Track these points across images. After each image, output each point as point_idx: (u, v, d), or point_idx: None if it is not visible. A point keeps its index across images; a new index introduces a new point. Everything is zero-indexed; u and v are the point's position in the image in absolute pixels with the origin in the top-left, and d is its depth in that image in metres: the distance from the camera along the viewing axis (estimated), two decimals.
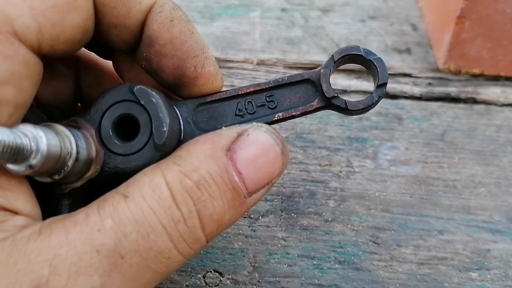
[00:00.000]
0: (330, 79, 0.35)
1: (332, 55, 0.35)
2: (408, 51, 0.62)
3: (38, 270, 0.26)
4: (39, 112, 0.34)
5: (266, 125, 0.33)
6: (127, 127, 0.33)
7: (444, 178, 0.49)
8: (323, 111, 0.36)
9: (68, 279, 0.26)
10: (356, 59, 0.35)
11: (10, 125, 0.28)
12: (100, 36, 0.34)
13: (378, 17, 0.66)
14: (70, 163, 0.30)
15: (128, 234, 0.27)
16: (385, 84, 0.35)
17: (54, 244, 0.26)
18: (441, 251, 0.43)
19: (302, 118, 0.54)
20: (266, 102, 0.36)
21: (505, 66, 0.58)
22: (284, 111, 0.35)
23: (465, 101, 0.56)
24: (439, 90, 0.57)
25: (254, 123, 0.33)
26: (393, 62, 0.60)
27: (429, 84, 0.58)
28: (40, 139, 0.27)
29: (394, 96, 0.56)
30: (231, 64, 0.59)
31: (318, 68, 0.35)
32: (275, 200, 0.46)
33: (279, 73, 0.58)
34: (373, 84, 0.57)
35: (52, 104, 0.36)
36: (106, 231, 0.27)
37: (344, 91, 0.56)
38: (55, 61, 0.37)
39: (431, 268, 0.42)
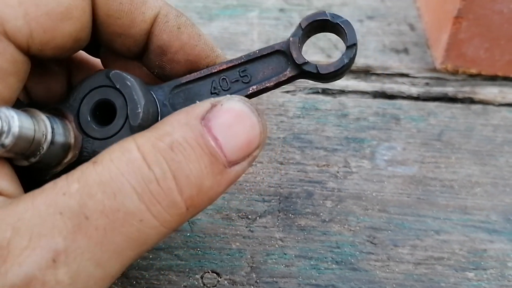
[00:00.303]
0: (300, 47, 0.35)
1: (300, 23, 0.35)
2: (405, 51, 0.62)
3: (0, 233, 0.26)
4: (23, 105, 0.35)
5: (240, 96, 0.33)
6: (105, 112, 0.34)
7: (441, 178, 0.49)
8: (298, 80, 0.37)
9: (30, 241, 0.26)
10: (325, 26, 0.36)
11: None
12: (105, 43, 0.36)
13: (376, 17, 0.66)
14: (45, 145, 0.30)
15: (93, 194, 0.27)
16: (355, 44, 0.35)
17: (20, 209, 0.26)
18: (438, 251, 0.44)
19: (300, 119, 0.54)
20: (239, 77, 0.36)
21: (502, 66, 0.58)
22: (257, 83, 0.36)
23: (463, 101, 0.56)
24: (437, 90, 0.57)
25: (227, 95, 0.33)
26: (390, 62, 0.60)
27: (427, 84, 0.58)
28: (12, 119, 0.27)
29: (391, 96, 0.57)
30: None
31: (287, 38, 0.36)
32: (273, 200, 0.47)
33: None
34: (370, 83, 0.57)
35: (43, 101, 0.36)
36: (71, 194, 0.27)
37: (342, 91, 0.57)
38: (46, 61, 0.37)
39: (428, 268, 0.43)
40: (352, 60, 0.35)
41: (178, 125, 0.30)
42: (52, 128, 0.31)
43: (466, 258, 0.43)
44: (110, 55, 0.39)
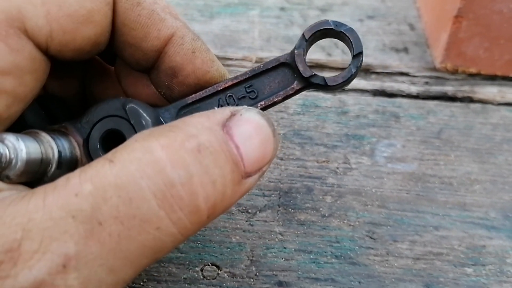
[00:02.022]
0: (305, 59, 0.35)
1: (303, 33, 0.35)
2: (405, 50, 0.62)
3: (10, 234, 0.25)
4: (39, 109, 0.34)
5: (256, 108, 0.33)
6: (113, 140, 0.33)
7: (440, 175, 0.49)
8: (304, 91, 0.37)
9: (40, 244, 0.25)
10: (328, 33, 0.35)
11: (8, 116, 0.29)
12: (115, 49, 0.35)
13: (376, 16, 0.66)
14: (50, 173, 0.30)
15: (107, 199, 0.25)
16: (361, 53, 0.34)
17: (31, 208, 0.25)
18: (437, 247, 0.44)
19: (300, 116, 0.54)
20: (246, 93, 0.36)
21: (501, 65, 0.58)
22: (265, 99, 0.35)
23: (462, 100, 0.57)
24: (436, 89, 0.58)
25: (244, 106, 0.33)
26: (390, 61, 0.60)
27: (426, 83, 0.58)
28: (21, 152, 0.27)
29: (391, 95, 0.57)
30: (230, 62, 0.59)
31: (292, 50, 0.35)
32: (273, 195, 0.47)
33: None
34: (370, 82, 0.58)
35: (57, 95, 0.36)
36: (84, 195, 0.25)
37: (342, 89, 0.57)
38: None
39: (427, 263, 0.43)
40: (359, 68, 0.35)
41: (202, 128, 0.29)
42: (59, 156, 0.30)
43: (465, 254, 0.44)
44: (124, 67, 0.38)
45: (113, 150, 0.28)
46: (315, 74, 0.35)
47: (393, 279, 0.42)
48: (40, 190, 0.26)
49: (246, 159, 0.29)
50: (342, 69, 0.58)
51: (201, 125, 0.29)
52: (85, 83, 0.40)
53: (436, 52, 0.60)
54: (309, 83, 0.35)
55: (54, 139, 0.31)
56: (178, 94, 0.36)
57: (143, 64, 0.36)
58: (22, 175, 0.28)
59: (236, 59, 0.59)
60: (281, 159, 0.50)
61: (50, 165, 0.30)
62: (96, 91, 0.40)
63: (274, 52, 0.60)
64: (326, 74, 0.57)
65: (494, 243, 0.44)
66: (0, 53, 0.28)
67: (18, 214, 0.25)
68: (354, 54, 0.35)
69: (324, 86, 0.35)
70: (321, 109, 0.55)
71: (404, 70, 0.60)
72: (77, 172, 0.27)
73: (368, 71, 0.59)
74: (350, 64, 0.35)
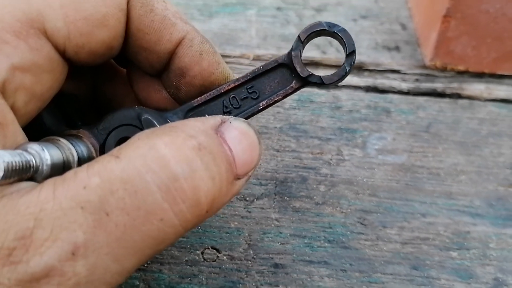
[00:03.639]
0: (302, 59, 0.37)
1: (299, 36, 0.37)
2: (397, 48, 0.65)
3: (24, 222, 0.26)
4: (56, 111, 0.37)
5: (243, 119, 0.35)
6: None
7: (428, 166, 0.52)
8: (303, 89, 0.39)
9: (51, 233, 0.26)
10: (322, 34, 0.38)
11: (25, 113, 0.31)
12: (130, 55, 0.38)
13: (370, 16, 0.69)
14: (74, 167, 0.32)
15: (114, 191, 0.27)
16: (353, 52, 0.37)
17: (42, 198, 0.27)
18: (424, 232, 0.47)
19: (296, 111, 0.57)
20: (248, 94, 0.38)
21: (488, 63, 0.61)
22: (266, 98, 0.38)
23: (450, 96, 0.59)
24: (426, 85, 0.60)
25: (232, 116, 0.35)
26: (382, 59, 0.63)
27: (417, 80, 0.61)
28: (46, 160, 0.29)
29: (383, 91, 0.60)
30: (228, 59, 0.62)
31: (289, 51, 0.38)
32: (269, 184, 0.49)
33: None
34: (363, 79, 0.60)
35: (72, 93, 0.39)
36: (92, 188, 0.27)
37: (336, 86, 0.59)
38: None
39: (414, 247, 0.45)
40: (352, 66, 0.37)
41: (200, 131, 0.31)
42: (78, 154, 0.33)
43: (450, 239, 0.46)
44: (136, 72, 0.40)
45: (118, 148, 0.30)
46: (312, 74, 0.37)
47: (382, 262, 0.44)
48: (50, 182, 0.28)
49: (237, 161, 0.32)
50: (336, 66, 0.61)
51: (198, 128, 0.31)
52: (97, 83, 0.42)
53: (426, 50, 0.63)
54: (306, 82, 0.38)
55: (73, 144, 0.33)
56: (185, 94, 0.39)
57: (155, 67, 0.38)
58: (47, 178, 0.30)
59: (234, 57, 0.62)
60: (277, 150, 0.53)
61: (71, 168, 0.32)
62: (107, 92, 0.42)
63: (270, 50, 0.63)
64: (321, 71, 0.60)
65: (478, 229, 0.47)
66: (21, 51, 0.30)
67: (31, 204, 0.27)
68: (347, 53, 0.37)
69: (320, 84, 0.38)
70: (316, 104, 0.58)
71: (396, 67, 0.62)
72: (84, 166, 0.28)
73: (361, 69, 0.62)
74: (344, 63, 0.37)
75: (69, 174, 0.28)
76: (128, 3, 0.35)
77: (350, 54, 0.37)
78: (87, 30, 0.32)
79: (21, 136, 0.30)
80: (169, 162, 0.28)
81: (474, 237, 0.47)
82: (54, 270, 0.26)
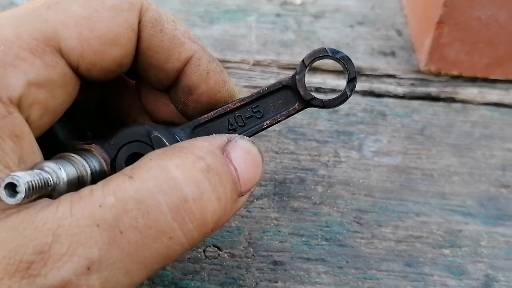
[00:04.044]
0: (305, 83, 0.39)
1: (303, 60, 0.39)
2: (393, 54, 0.67)
3: (42, 237, 0.28)
4: (68, 124, 0.38)
5: (248, 138, 0.36)
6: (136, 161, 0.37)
7: (422, 168, 0.54)
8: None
9: (68, 248, 0.28)
10: (326, 58, 0.39)
11: (39, 126, 0.33)
12: (140, 72, 0.39)
13: (366, 23, 0.71)
14: (88, 181, 0.34)
15: (128, 211, 0.29)
16: (355, 78, 0.39)
17: (59, 215, 0.28)
18: (417, 231, 0.48)
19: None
20: (253, 113, 0.39)
21: (481, 68, 0.63)
22: (270, 118, 0.39)
23: (444, 100, 0.61)
24: (421, 90, 0.62)
25: (237, 134, 0.37)
26: (378, 64, 0.65)
27: (412, 84, 0.63)
28: (62, 179, 0.31)
29: (379, 95, 0.61)
30: (229, 65, 0.64)
31: (293, 74, 0.39)
32: (269, 185, 0.51)
33: (274, 73, 0.63)
34: (360, 83, 0.62)
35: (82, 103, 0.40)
36: (107, 207, 0.29)
37: (333, 90, 0.61)
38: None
39: (408, 245, 0.47)
40: (353, 91, 0.39)
41: (207, 151, 0.32)
42: (91, 169, 0.34)
43: (443, 237, 0.48)
44: (145, 86, 0.42)
45: (130, 167, 0.31)
46: (314, 97, 0.39)
47: (377, 259, 0.46)
48: (67, 199, 0.29)
49: (242, 180, 0.34)
50: (333, 71, 0.62)
51: (206, 148, 0.33)
52: (106, 95, 0.44)
53: (420, 56, 0.65)
54: (309, 104, 0.40)
55: (85, 160, 0.34)
56: (192, 110, 0.40)
57: (164, 83, 0.40)
58: (69, 190, 0.31)
59: (235, 62, 0.64)
60: (276, 153, 0.54)
61: (85, 183, 0.34)
62: (116, 103, 0.44)
63: (270, 56, 0.65)
64: (319, 76, 0.62)
65: (470, 228, 0.49)
66: (36, 68, 0.31)
67: (48, 220, 0.28)
68: (349, 79, 0.39)
69: (322, 107, 0.39)
70: (314, 107, 0.59)
71: (391, 72, 0.64)
72: (99, 185, 0.30)
73: (358, 74, 0.64)
74: (345, 88, 0.39)
75: (85, 191, 0.30)
76: (139, 23, 0.36)
77: (352, 80, 0.39)
78: (100, 48, 0.34)
79: (35, 147, 0.31)
80: (179, 184, 0.30)
81: (466, 236, 0.48)
82: (70, 284, 0.28)
